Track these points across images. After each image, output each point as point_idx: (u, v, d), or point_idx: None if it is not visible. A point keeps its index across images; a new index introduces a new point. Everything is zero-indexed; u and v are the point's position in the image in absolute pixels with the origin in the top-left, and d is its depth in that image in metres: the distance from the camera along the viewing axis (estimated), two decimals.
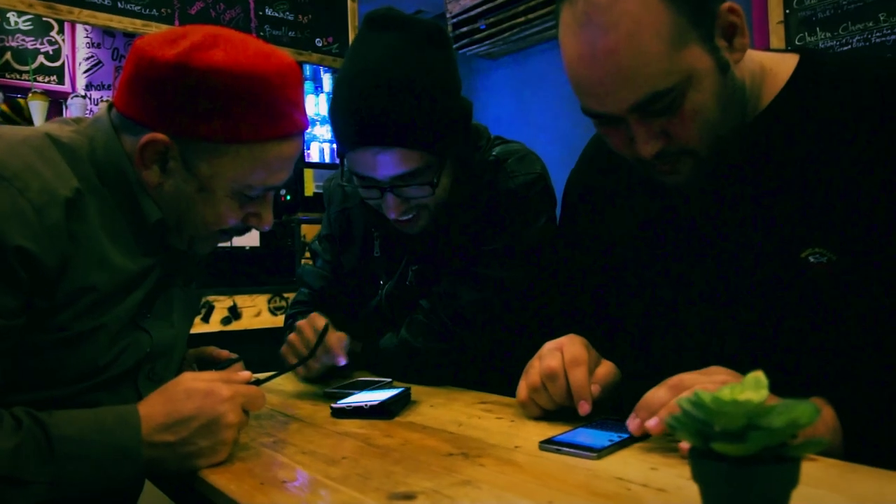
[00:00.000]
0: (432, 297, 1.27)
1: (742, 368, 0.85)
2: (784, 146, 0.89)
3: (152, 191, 0.91)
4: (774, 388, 0.73)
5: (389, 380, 1.23)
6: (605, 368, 0.97)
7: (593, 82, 0.84)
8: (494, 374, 1.21)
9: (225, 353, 1.16)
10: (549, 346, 0.97)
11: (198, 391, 0.82)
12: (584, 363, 0.92)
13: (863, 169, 0.83)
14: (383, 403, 1.00)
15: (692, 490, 0.56)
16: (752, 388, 0.57)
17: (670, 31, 0.79)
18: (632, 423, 0.82)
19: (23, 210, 0.77)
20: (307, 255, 1.56)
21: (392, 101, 1.09)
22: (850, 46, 2.26)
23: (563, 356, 0.93)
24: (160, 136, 0.86)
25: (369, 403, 1.00)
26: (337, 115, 1.16)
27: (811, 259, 0.85)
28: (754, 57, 0.92)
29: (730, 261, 0.92)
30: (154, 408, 0.80)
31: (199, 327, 2.60)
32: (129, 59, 0.89)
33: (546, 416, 0.96)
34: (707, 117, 0.84)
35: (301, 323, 1.25)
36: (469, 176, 1.27)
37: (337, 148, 1.23)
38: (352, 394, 1.09)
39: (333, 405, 1.02)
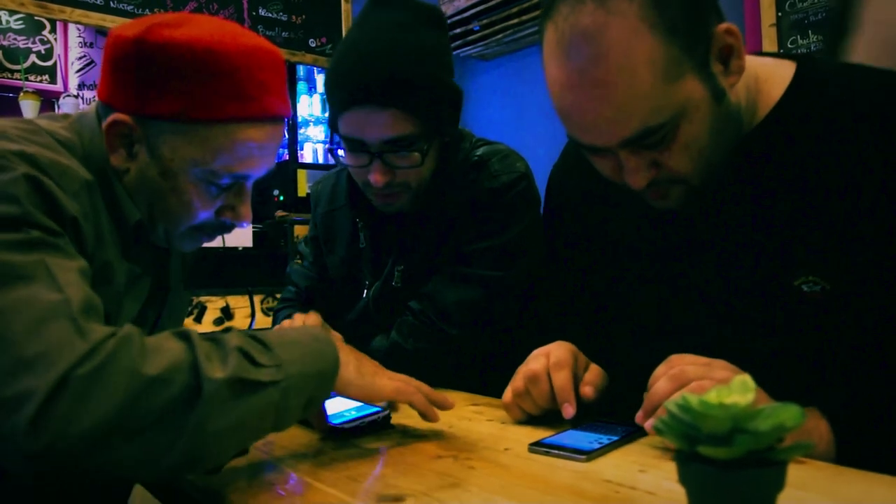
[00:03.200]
0: (420, 298, 1.28)
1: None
2: (777, 166, 0.86)
3: (122, 177, 0.89)
4: None
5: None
6: (594, 373, 0.97)
7: (580, 114, 0.80)
8: (486, 376, 1.21)
9: None
10: (537, 352, 0.97)
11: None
12: (568, 366, 0.93)
13: (857, 194, 0.81)
14: (374, 421, 0.97)
15: (680, 493, 0.57)
16: (739, 391, 0.58)
17: (663, 62, 0.75)
18: (638, 416, 0.83)
19: (64, 196, 0.77)
20: (298, 256, 1.58)
21: (394, 65, 1.14)
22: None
23: (548, 360, 0.93)
24: (122, 116, 0.84)
25: (367, 420, 0.97)
26: (336, 77, 1.19)
27: (804, 288, 0.83)
28: (749, 65, 0.86)
29: (720, 283, 0.90)
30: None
31: (191, 328, 2.60)
32: (105, 44, 0.89)
33: (536, 418, 0.96)
34: (700, 147, 0.81)
35: (297, 316, 1.29)
36: (453, 174, 1.29)
37: (330, 116, 1.25)
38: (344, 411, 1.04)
39: (332, 424, 0.96)
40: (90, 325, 0.66)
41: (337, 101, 1.19)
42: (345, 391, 0.83)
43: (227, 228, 0.96)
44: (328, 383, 0.79)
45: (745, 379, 0.59)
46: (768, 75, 0.89)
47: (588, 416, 0.94)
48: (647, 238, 1.00)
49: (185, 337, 0.70)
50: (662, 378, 0.80)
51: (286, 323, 1.29)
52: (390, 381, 0.87)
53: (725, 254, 0.90)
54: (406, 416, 1.03)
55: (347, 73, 1.17)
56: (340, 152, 1.25)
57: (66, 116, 0.94)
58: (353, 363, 0.84)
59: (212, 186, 0.89)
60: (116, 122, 0.85)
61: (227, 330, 0.74)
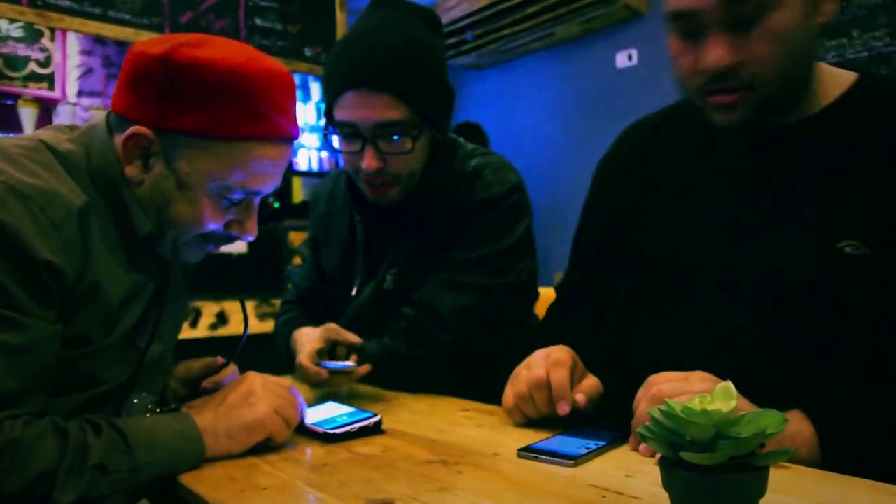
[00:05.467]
0: (414, 304, 1.29)
1: (750, 360, 0.87)
2: (838, 143, 0.91)
3: (135, 188, 0.91)
4: (774, 382, 0.76)
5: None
6: (590, 381, 0.98)
7: None
8: (476, 381, 1.22)
9: (211, 360, 1.15)
10: (538, 354, 0.98)
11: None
12: (566, 366, 0.94)
13: None
14: (365, 426, 0.97)
15: (666, 498, 0.58)
16: (721, 398, 0.59)
17: None
18: (631, 440, 0.86)
19: (45, 226, 0.79)
20: (295, 260, 1.61)
21: (390, 51, 1.19)
22: (824, 62, 2.29)
23: (548, 362, 0.95)
24: (143, 129, 0.87)
25: (357, 425, 0.97)
26: (334, 63, 1.24)
27: (847, 250, 0.86)
28: (816, 64, 0.96)
29: (763, 243, 0.92)
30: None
31: (187, 333, 2.60)
32: (125, 60, 0.91)
33: (526, 423, 0.97)
34: (781, 46, 0.86)
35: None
36: (447, 182, 1.31)
37: (326, 105, 1.28)
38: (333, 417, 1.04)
39: (327, 431, 0.97)
40: None
41: (333, 86, 1.23)
42: (228, 454, 0.88)
43: (232, 240, 0.99)
44: (187, 468, 0.84)
45: (728, 386, 0.60)
46: (833, 73, 0.96)
47: (578, 421, 0.95)
48: (690, 204, 1.01)
49: (63, 439, 0.76)
50: (643, 401, 0.82)
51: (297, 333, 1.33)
52: (254, 431, 0.89)
53: (772, 216, 0.92)
54: (397, 421, 1.04)
55: (344, 58, 1.22)
56: (335, 139, 1.27)
57: (72, 128, 0.95)
58: (223, 430, 0.87)
59: (224, 200, 0.92)
60: (136, 134, 0.87)
61: (98, 430, 0.80)
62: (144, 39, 0.91)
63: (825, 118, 0.93)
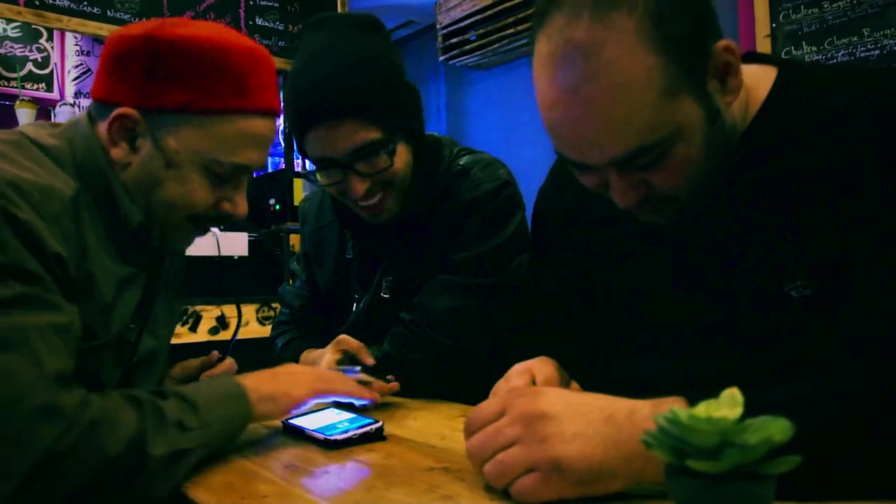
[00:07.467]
0: (411, 309, 1.28)
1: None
2: (763, 171, 0.83)
3: (122, 172, 0.91)
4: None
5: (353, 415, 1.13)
6: (575, 390, 0.95)
7: (571, 131, 0.75)
8: (479, 387, 1.21)
9: (207, 357, 1.16)
10: (518, 367, 0.95)
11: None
12: (556, 384, 0.92)
13: (841, 194, 0.77)
14: (367, 432, 0.97)
15: None
16: (728, 405, 0.58)
17: (660, 80, 0.71)
18: None
19: (45, 221, 0.79)
20: (291, 275, 1.60)
21: (341, 78, 1.16)
22: (835, 60, 2.29)
23: (533, 378, 0.91)
24: (128, 110, 0.87)
25: (359, 431, 0.96)
26: (287, 105, 1.22)
27: (794, 294, 0.79)
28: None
29: (710, 290, 0.88)
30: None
31: (186, 337, 2.59)
32: (103, 47, 0.92)
33: None
34: (692, 169, 0.78)
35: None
36: (436, 183, 1.30)
37: (296, 143, 1.26)
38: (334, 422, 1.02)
39: (328, 437, 0.95)
40: (65, 398, 0.72)
41: (296, 125, 1.21)
42: (269, 418, 0.93)
43: (223, 220, 0.99)
44: (241, 429, 0.89)
45: (734, 392, 0.59)
46: (754, 81, 0.86)
47: None
48: (636, 253, 0.97)
49: (138, 405, 0.79)
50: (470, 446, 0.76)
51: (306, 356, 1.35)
52: (305, 387, 0.94)
53: (713, 265, 0.88)
54: (398, 427, 1.03)
55: (297, 94, 1.19)
56: (319, 175, 1.25)
57: (54, 125, 0.96)
58: (265, 392, 0.91)
59: (213, 176, 0.92)
60: (121, 115, 0.87)
61: (164, 396, 0.83)
62: (120, 28, 0.92)
63: (747, 146, 0.84)
